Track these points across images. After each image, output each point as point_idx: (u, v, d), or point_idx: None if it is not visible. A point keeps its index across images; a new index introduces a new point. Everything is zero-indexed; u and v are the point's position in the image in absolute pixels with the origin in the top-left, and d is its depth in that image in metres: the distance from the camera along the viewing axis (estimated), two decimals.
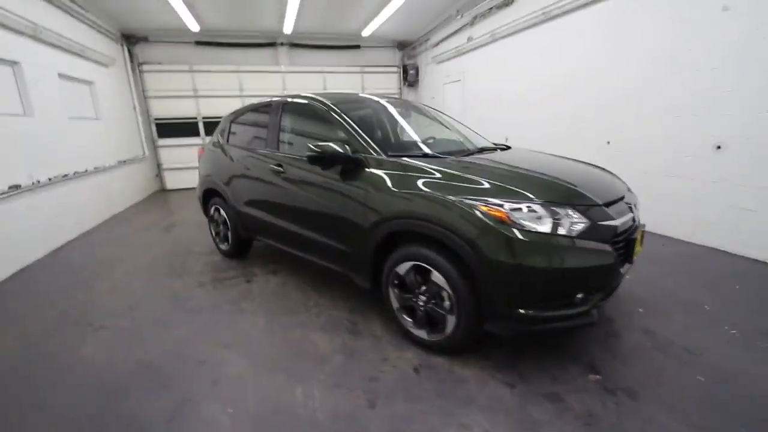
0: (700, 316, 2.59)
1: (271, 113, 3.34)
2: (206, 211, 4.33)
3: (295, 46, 9.26)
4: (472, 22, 7.34)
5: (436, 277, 2.11)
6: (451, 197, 2.01)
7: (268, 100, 3.51)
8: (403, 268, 2.28)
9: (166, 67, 8.41)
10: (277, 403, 1.94)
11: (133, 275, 3.76)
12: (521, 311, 1.89)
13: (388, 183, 2.30)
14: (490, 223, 1.88)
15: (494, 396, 1.94)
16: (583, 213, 1.93)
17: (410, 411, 1.85)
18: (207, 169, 4.09)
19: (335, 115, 2.78)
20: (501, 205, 1.90)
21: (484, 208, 1.91)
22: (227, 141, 3.87)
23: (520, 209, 1.89)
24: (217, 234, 4.19)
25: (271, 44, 9.09)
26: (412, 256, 2.21)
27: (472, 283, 2.00)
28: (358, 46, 9.69)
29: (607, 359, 2.19)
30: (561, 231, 1.87)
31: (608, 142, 4.75)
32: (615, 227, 1.99)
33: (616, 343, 2.34)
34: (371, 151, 2.49)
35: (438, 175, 2.17)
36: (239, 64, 8.86)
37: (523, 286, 1.86)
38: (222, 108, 8.75)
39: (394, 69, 10.18)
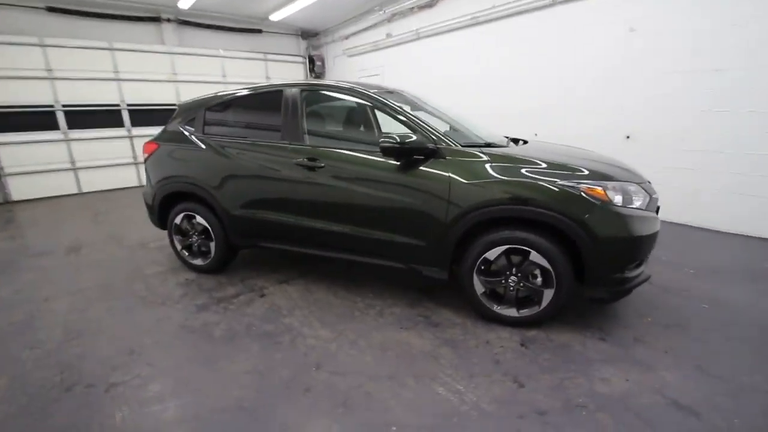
0: (664, 265, 3.42)
1: (285, 101, 2.92)
2: (164, 222, 3.52)
3: (184, 23, 7.97)
4: (390, 19, 7.58)
5: (535, 256, 2.30)
6: (554, 181, 2.21)
7: (273, 85, 3.07)
8: (494, 253, 2.38)
9: (7, 38, 6.22)
10: (439, 410, 1.85)
11: (92, 312, 2.84)
12: (618, 275, 2.23)
13: (478, 172, 2.36)
14: (595, 202, 2.15)
15: (600, 350, 2.25)
16: (645, 189, 2.37)
17: (555, 380, 2.01)
18: (170, 170, 3.32)
19: (389, 107, 2.66)
20: (600, 186, 2.19)
21: (588, 190, 2.17)
22: (203, 134, 3.22)
23: (613, 188, 2.22)
24: (187, 247, 3.46)
25: (154, 19, 7.62)
26: (505, 240, 2.34)
27: (571, 257, 2.25)
28: (259, 31, 8.91)
29: (640, 307, 2.74)
30: (638, 204, 2.27)
31: (536, 135, 5.64)
32: (657, 199, 2.51)
33: (636, 297, 2.93)
34: (444, 141, 2.49)
35: (528, 162, 2.34)
36: (112, 41, 7.16)
37: (622, 253, 2.20)
38: (95, 94, 7.02)
39: (300, 59, 9.72)
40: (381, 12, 7.52)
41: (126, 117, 7.55)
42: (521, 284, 2.39)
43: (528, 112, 5.70)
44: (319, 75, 9.85)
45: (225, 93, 3.28)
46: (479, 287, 2.50)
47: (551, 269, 2.28)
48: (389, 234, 2.64)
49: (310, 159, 2.75)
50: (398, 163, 2.50)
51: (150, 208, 3.56)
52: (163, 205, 3.44)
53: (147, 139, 3.58)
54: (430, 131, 2.52)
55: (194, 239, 3.39)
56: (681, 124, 4.27)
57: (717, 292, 2.89)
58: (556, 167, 2.30)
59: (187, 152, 3.23)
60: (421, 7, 6.92)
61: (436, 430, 1.73)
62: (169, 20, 7.72)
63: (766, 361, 2.14)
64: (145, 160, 3.51)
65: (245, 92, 3.19)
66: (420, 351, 2.29)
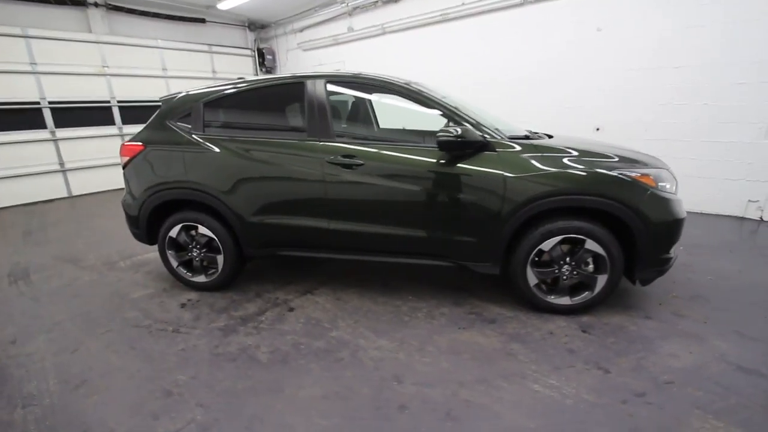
0: None
1: (309, 94, 2.65)
2: (152, 237, 3.03)
3: (115, 9, 6.96)
4: (351, 13, 7.38)
5: (590, 244, 2.36)
6: (609, 170, 2.29)
7: (291, 76, 2.77)
8: (549, 244, 2.40)
9: None
10: (547, 408, 1.80)
11: (87, 351, 2.33)
12: (665, 256, 2.38)
13: (532, 164, 2.35)
14: (647, 189, 2.27)
15: (651, 328, 2.39)
16: (672, 175, 2.56)
17: (632, 361, 2.09)
18: (164, 175, 2.85)
19: (429, 98, 2.55)
20: (648, 173, 2.31)
21: (639, 177, 2.28)
22: (204, 132, 2.81)
23: (656, 175, 2.35)
24: (186, 263, 3.02)
25: (79, 3, 6.54)
26: (562, 230, 2.37)
27: (624, 243, 2.35)
28: (202, 20, 8.12)
29: (657, 284, 2.96)
30: (671, 188, 2.44)
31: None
32: (677, 183, 2.73)
33: None
34: (492, 134, 2.45)
35: (575, 153, 2.39)
36: (26, 26, 6.01)
37: (669, 235, 2.35)
38: (8, 88, 5.81)
39: (248, 51, 9.06)
40: (342, 5, 7.28)
41: (48, 117, 6.40)
42: (574, 272, 2.45)
43: (500, 108, 5.91)
44: (270, 69, 9.28)
45: (226, 86, 2.89)
46: (532, 279, 2.50)
47: (606, 255, 2.36)
48: (439, 232, 2.54)
49: (346, 156, 2.53)
50: (445, 157, 2.41)
51: (133, 220, 3.03)
52: (153, 216, 2.95)
53: (123, 141, 3.04)
54: (481, 125, 2.46)
55: (195, 253, 2.96)
56: (645, 116, 4.73)
57: (712, 264, 3.24)
58: (604, 157, 2.38)
59: (186, 154, 2.79)
60: (386, 2, 6.83)
61: (557, 428, 1.69)
62: (96, 5, 6.68)
63: None
64: (125, 165, 2.98)
65: (255, 85, 2.84)
66: (492, 349, 2.24)
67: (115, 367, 2.19)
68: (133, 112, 7.28)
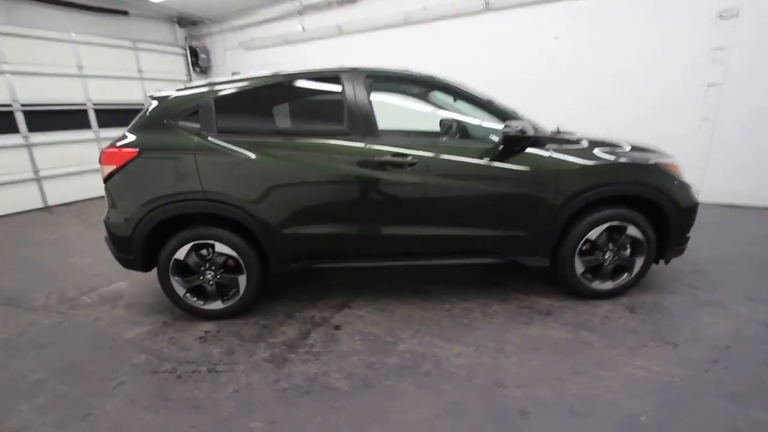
0: None
1: (349, 89, 2.42)
2: (148, 261, 2.52)
3: None
4: (302, 11, 7.05)
5: (631, 230, 2.53)
6: (646, 160, 2.48)
7: (323, 70, 2.51)
8: (595, 233, 2.52)
9: None
10: (651, 388, 1.86)
11: (103, 412, 1.82)
12: (687, 236, 2.65)
13: (580, 157, 2.44)
14: (675, 177, 2.51)
15: (680, 302, 2.63)
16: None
17: (688, 332, 2.27)
18: (169, 186, 2.37)
19: (472, 94, 2.52)
20: (673, 164, 2.55)
21: (669, 166, 2.51)
22: (220, 134, 2.42)
23: (677, 164, 2.61)
24: (197, 289, 2.56)
25: None
26: (609, 218, 2.49)
27: (656, 226, 2.57)
28: (125, 13, 7.08)
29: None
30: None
31: None
32: None
33: None
34: (539, 129, 2.50)
35: (613, 145, 2.55)
36: None
37: (691, 218, 2.61)
38: None
39: (179, 49, 8.14)
40: (293, 2, 6.91)
41: None
42: (615, 257, 2.60)
43: None
44: (205, 69, 8.45)
45: (240, 80, 2.52)
46: (579, 267, 2.60)
47: (644, 239, 2.55)
48: (494, 229, 2.51)
49: (397, 156, 2.37)
50: (498, 153, 2.40)
51: (123, 243, 2.47)
52: (151, 236, 2.45)
53: (105, 146, 2.47)
54: (532, 122, 2.50)
55: (208, 276, 2.52)
56: (592, 114, 5.27)
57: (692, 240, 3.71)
58: (636, 149, 2.58)
59: (200, 160, 2.36)
60: (341, 2, 6.65)
61: (672, 404, 1.75)
62: None
63: None
64: (110, 176, 2.42)
65: (278, 79, 2.53)
66: (566, 341, 2.26)
67: (159, 428, 1.74)
68: (45, 118, 6.04)
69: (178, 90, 2.52)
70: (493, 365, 2.07)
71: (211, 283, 2.54)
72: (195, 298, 2.57)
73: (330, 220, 2.46)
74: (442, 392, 1.88)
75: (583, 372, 1.99)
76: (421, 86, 2.78)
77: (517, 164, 2.40)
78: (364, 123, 2.42)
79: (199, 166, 2.35)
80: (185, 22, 8.11)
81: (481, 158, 2.42)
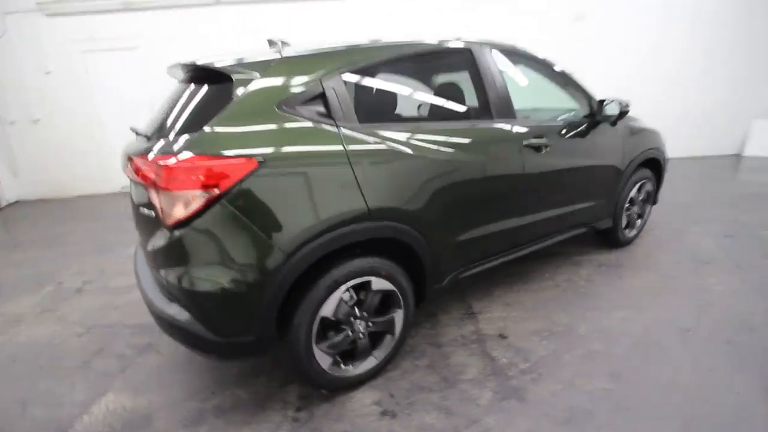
0: None
1: (484, 66, 2.08)
2: (282, 326, 1.62)
3: None
4: None
5: (647, 186, 3.20)
6: (656, 131, 3.18)
7: (451, 42, 2.04)
8: (634, 191, 3.08)
9: None
10: (693, 306, 2.50)
11: None
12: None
13: (630, 128, 2.91)
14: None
15: (674, 268, 3.54)
16: None
17: (696, 280, 3.11)
18: (327, 207, 1.55)
19: (562, 73, 2.59)
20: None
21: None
22: (364, 124, 1.70)
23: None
24: (350, 344, 1.80)
25: None
26: (644, 177, 3.10)
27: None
28: None
29: None
30: None
31: None
32: None
33: None
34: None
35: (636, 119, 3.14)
36: None
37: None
38: None
39: None
40: None
41: None
42: (636, 212, 3.25)
43: None
44: None
45: (376, 48, 1.86)
46: (624, 221, 3.12)
47: (653, 189, 3.29)
48: (595, 200, 2.75)
49: (538, 137, 2.25)
50: (585, 128, 2.59)
51: (242, 316, 1.49)
52: (293, 289, 1.55)
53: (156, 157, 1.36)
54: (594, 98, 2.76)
55: (359, 327, 1.79)
56: None
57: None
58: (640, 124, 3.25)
59: (357, 163, 1.61)
60: None
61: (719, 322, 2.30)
62: None
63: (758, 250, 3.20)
64: (202, 211, 1.37)
65: (417, 48, 1.96)
66: (655, 281, 2.73)
67: None
68: None
69: (273, 62, 1.61)
70: (651, 319, 2.30)
71: (362, 335, 1.81)
72: (344, 365, 1.80)
73: (489, 218, 2.15)
74: (670, 349, 2.01)
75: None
76: (527, 62, 2.56)
77: (614, 136, 2.70)
78: (504, 103, 2.17)
79: (357, 174, 1.61)
80: None
81: (587, 132, 2.56)
